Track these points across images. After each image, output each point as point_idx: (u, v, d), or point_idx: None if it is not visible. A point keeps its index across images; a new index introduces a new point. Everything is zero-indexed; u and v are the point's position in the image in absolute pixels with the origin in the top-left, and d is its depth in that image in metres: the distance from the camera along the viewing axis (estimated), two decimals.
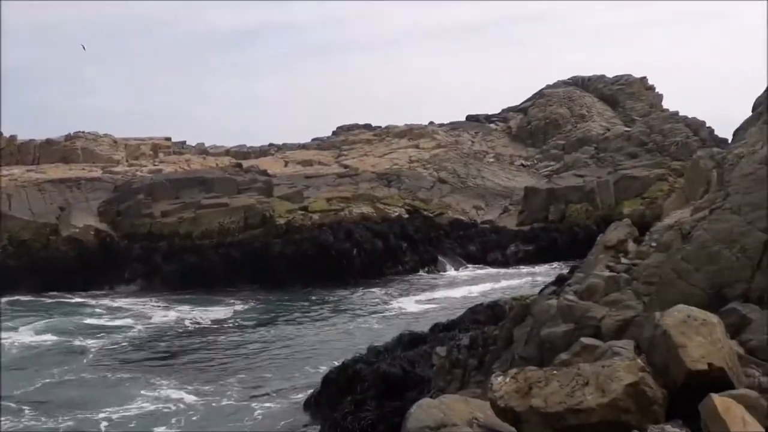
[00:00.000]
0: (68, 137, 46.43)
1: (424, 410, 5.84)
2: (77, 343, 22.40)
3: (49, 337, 23.01)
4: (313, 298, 29.37)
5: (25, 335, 23.18)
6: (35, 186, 35.70)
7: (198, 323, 25.32)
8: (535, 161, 55.70)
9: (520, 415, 5.20)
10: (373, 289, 30.50)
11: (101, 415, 15.63)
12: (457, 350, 11.32)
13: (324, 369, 16.20)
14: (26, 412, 15.96)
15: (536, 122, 60.69)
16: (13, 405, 16.28)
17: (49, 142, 45.07)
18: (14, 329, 23.79)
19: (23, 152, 43.46)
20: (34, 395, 17.23)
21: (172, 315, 26.69)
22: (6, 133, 44.24)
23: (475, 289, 29.39)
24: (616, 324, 8.20)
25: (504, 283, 30.49)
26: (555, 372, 5.43)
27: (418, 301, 27.98)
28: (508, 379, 5.45)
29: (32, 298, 29.27)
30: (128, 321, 25.72)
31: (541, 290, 12.44)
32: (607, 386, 5.07)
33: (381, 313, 26.16)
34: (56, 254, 31.50)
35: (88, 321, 25.53)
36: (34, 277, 30.46)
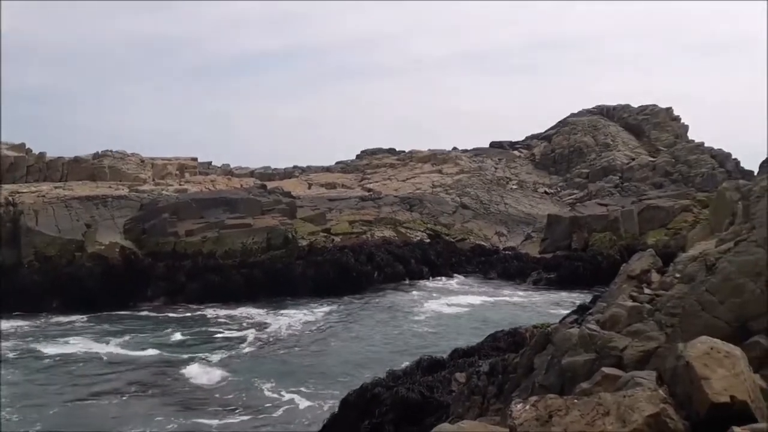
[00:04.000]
0: (96, 156, 47.00)
1: None
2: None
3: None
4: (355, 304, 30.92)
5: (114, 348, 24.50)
6: (62, 203, 36.10)
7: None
8: (559, 189, 55.54)
9: None
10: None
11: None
12: (476, 377, 11.25)
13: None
14: None
15: (560, 150, 60.64)
16: None
17: (77, 160, 45.61)
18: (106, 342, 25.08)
19: (51, 169, 43.98)
20: None
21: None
22: (35, 150, 44.89)
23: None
24: (639, 354, 8.13)
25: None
26: (576, 401, 5.41)
27: (443, 304, 30.48)
28: (528, 407, 5.43)
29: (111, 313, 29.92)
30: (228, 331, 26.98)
31: (562, 319, 12.35)
32: (628, 416, 5.04)
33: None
34: (81, 271, 31.72)
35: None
36: (58, 292, 30.70)
